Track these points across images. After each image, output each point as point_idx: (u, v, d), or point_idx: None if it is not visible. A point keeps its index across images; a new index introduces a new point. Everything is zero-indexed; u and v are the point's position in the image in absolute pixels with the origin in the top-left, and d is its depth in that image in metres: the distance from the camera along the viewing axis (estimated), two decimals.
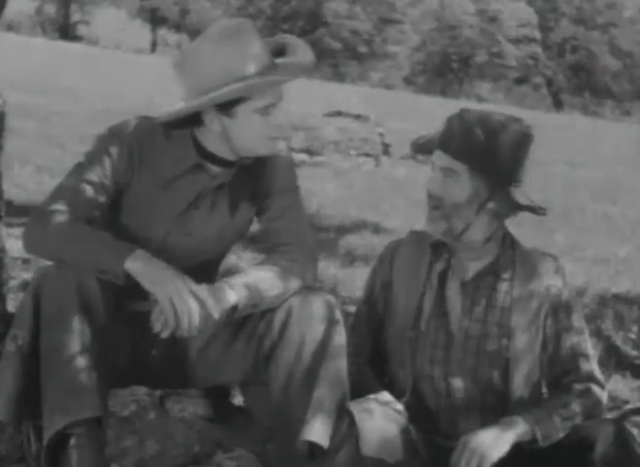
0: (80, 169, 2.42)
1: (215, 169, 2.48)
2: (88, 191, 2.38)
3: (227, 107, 2.36)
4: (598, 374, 2.47)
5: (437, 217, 2.40)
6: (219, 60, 2.31)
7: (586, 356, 2.45)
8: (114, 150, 2.43)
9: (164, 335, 2.26)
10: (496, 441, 2.23)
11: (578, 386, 2.41)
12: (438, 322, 2.43)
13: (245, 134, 2.40)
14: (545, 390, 2.51)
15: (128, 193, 2.46)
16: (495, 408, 2.40)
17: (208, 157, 2.47)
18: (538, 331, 2.43)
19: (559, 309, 2.44)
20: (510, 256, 2.47)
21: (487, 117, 2.37)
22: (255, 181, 2.53)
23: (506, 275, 2.45)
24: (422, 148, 2.51)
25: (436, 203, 2.39)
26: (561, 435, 2.30)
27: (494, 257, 2.46)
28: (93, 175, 2.40)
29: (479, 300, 2.43)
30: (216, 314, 2.26)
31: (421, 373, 2.43)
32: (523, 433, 2.27)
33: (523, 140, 2.38)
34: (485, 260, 2.45)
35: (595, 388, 2.43)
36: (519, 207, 2.41)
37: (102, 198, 2.41)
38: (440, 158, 2.39)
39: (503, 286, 2.44)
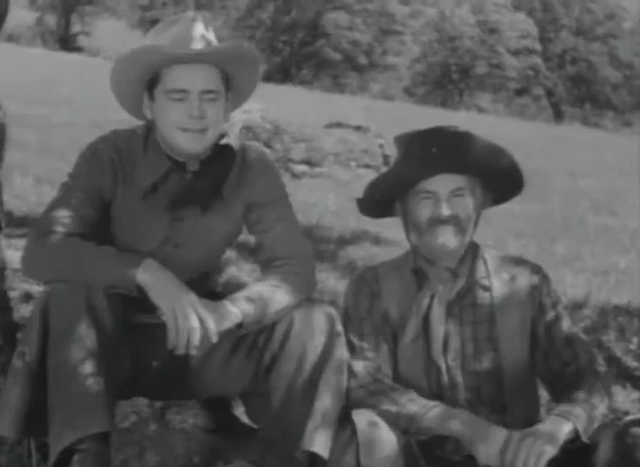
0: (66, 189, 2.44)
1: (183, 174, 2.48)
2: (78, 209, 2.39)
3: (151, 90, 2.41)
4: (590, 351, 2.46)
5: (457, 232, 2.39)
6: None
7: (579, 340, 2.44)
8: (95, 166, 2.44)
9: (169, 347, 2.26)
10: (551, 439, 2.17)
11: (588, 370, 2.37)
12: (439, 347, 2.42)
13: (162, 121, 2.42)
14: (544, 386, 2.50)
15: (114, 207, 2.47)
16: (494, 420, 2.40)
17: (177, 162, 2.48)
18: (526, 334, 2.43)
19: (544, 306, 2.44)
20: (482, 265, 2.48)
21: (461, 128, 2.39)
22: (233, 183, 2.51)
23: (483, 286, 2.45)
24: (386, 194, 2.47)
25: (450, 223, 2.38)
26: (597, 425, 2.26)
27: (469, 269, 2.46)
28: (79, 193, 2.41)
29: (465, 318, 2.44)
30: (214, 338, 2.27)
31: (431, 394, 2.41)
32: (569, 433, 2.21)
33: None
34: (464, 270, 2.45)
35: (599, 367, 2.40)
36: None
37: (91, 215, 2.42)
38: (447, 182, 2.38)
39: (484, 298, 2.44)
